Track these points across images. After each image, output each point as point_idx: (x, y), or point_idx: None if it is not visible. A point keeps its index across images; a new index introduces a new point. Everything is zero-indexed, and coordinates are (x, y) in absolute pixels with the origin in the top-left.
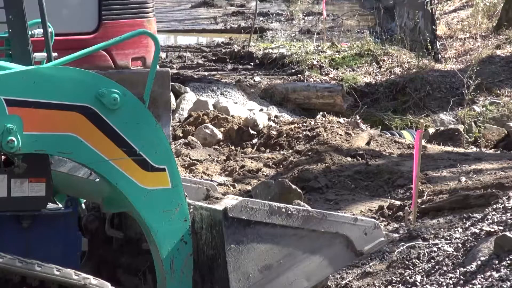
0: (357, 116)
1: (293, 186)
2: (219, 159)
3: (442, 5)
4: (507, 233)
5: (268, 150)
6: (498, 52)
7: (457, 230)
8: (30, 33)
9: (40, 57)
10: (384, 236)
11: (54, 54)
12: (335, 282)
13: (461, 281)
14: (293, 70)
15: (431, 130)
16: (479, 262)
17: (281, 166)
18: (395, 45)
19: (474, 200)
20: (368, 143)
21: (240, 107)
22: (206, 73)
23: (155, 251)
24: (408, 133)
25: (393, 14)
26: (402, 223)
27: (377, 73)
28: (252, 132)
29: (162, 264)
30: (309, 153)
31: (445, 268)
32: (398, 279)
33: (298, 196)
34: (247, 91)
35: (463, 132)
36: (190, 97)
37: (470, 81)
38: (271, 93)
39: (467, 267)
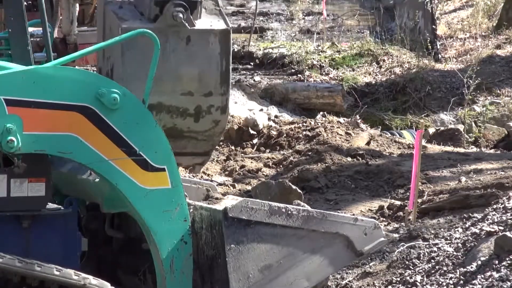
0: (357, 116)
1: (293, 187)
2: (219, 159)
3: (442, 5)
4: (507, 233)
5: (268, 150)
6: (498, 52)
7: (457, 230)
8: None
9: (40, 57)
10: (384, 236)
11: (54, 54)
12: (335, 282)
13: (461, 281)
14: (293, 70)
15: (431, 130)
16: (479, 262)
17: (281, 166)
18: (395, 45)
19: (474, 200)
20: (368, 143)
21: (240, 107)
22: None
23: (155, 251)
24: (408, 133)
25: (393, 14)
26: (402, 223)
27: (377, 73)
28: (252, 132)
29: (162, 264)
30: (309, 153)
31: (445, 268)
32: (398, 279)
33: (298, 197)
34: (247, 91)
35: (463, 132)
36: None
37: (470, 81)
38: (271, 93)
39: (467, 267)
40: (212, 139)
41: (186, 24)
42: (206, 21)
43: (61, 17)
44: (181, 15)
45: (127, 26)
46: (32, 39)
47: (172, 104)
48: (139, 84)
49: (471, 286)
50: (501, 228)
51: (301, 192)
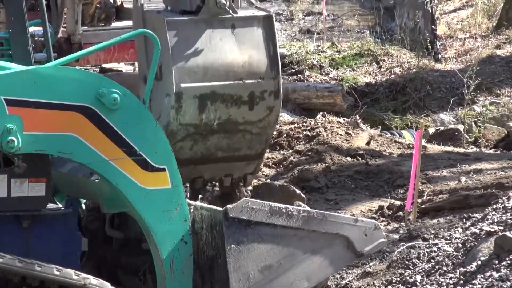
0: (357, 116)
1: (297, 191)
2: None
3: (442, 5)
4: (507, 233)
5: (268, 150)
6: (498, 52)
7: (457, 230)
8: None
9: (41, 57)
10: (384, 237)
11: (54, 54)
12: (335, 282)
13: (461, 281)
14: (293, 70)
15: (431, 130)
16: (479, 262)
17: (281, 166)
18: (395, 45)
19: (474, 200)
20: (368, 143)
21: None
22: None
23: (155, 251)
24: (408, 133)
25: (393, 14)
26: (402, 223)
27: (377, 73)
28: None
29: (162, 264)
30: (309, 153)
31: (445, 268)
32: (398, 279)
33: (302, 201)
34: None
35: (463, 132)
36: None
37: (470, 81)
38: None
39: (467, 267)
40: (266, 131)
41: (230, 10)
42: (247, 12)
43: (65, 17)
44: (224, 1)
45: (171, 19)
46: (36, 38)
47: (225, 92)
48: (192, 68)
49: (471, 286)
50: (501, 228)
51: (304, 196)
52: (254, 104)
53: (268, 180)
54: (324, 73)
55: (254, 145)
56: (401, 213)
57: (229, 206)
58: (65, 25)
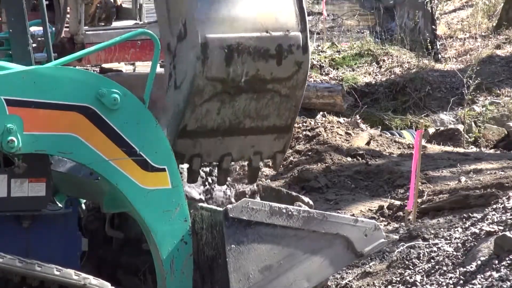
0: (357, 116)
1: (306, 200)
2: None
3: (442, 5)
4: (507, 233)
5: None
6: (498, 52)
7: (457, 230)
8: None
9: (41, 57)
10: (385, 237)
11: (54, 54)
12: (335, 282)
13: (461, 281)
14: None
15: (431, 130)
16: (479, 262)
17: (281, 166)
18: (395, 45)
19: (474, 200)
20: (368, 143)
21: None
22: None
23: (155, 251)
24: (408, 133)
25: (393, 14)
26: (402, 223)
27: (377, 73)
28: None
29: (162, 264)
30: (309, 153)
31: (445, 268)
32: (398, 279)
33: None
34: None
35: (463, 132)
36: None
37: (470, 81)
38: None
39: (467, 267)
40: (295, 94)
41: None
42: None
43: (67, 17)
44: None
45: None
46: (39, 39)
47: (252, 44)
48: (217, 20)
49: (471, 286)
50: (501, 228)
51: (313, 204)
52: (282, 59)
53: (268, 181)
54: (324, 73)
55: (283, 112)
56: (401, 213)
57: (229, 206)
58: (67, 25)
